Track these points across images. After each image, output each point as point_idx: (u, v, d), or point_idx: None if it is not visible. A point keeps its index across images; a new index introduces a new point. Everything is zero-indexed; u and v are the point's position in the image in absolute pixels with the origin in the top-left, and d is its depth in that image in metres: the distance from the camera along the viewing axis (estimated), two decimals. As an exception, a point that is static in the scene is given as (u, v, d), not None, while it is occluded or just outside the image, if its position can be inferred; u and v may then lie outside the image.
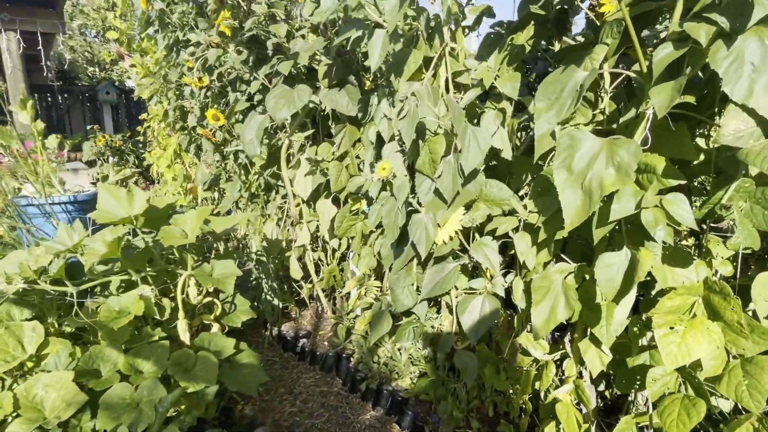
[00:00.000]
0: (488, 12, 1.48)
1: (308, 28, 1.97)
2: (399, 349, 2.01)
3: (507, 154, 1.39)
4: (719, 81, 0.89)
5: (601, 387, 1.57)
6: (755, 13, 0.84)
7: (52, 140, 2.15)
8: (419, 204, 1.33)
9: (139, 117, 4.12)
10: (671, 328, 1.05)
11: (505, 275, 1.46)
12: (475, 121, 1.46)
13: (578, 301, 1.26)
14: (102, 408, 1.32)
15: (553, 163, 1.06)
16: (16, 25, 3.94)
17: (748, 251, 1.11)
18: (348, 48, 1.91)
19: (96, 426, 1.30)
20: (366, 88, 2.08)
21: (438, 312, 1.74)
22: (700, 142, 1.20)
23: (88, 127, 4.74)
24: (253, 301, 2.49)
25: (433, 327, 1.62)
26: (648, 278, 1.18)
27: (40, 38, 4.17)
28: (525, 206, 1.28)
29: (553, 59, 1.55)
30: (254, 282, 2.54)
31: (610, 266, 1.08)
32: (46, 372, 1.35)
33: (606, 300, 1.17)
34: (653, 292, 1.29)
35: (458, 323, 1.46)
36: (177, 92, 3.02)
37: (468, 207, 1.34)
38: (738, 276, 1.16)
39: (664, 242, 1.05)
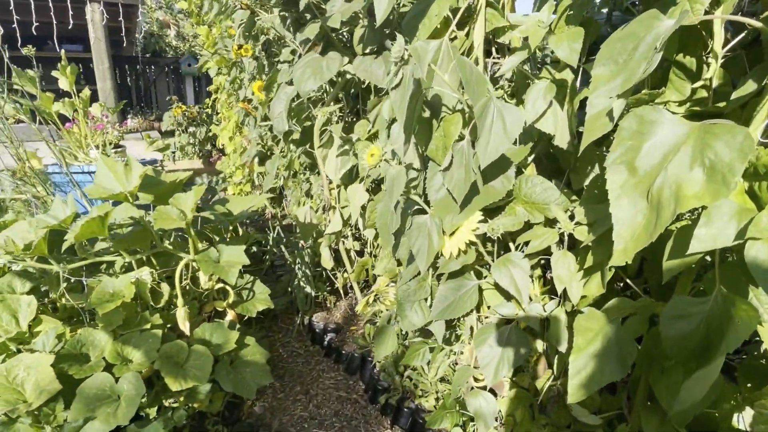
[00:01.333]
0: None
1: (348, -14, 1.70)
2: (428, 363, 1.74)
3: (561, 141, 1.03)
4: None
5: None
6: None
7: (96, 108, 2.15)
8: (428, 203, 1.03)
9: (207, 89, 4.17)
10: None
11: (550, 300, 1.11)
12: (524, 97, 1.11)
13: (643, 353, 0.90)
14: (78, 398, 1.24)
15: (609, 157, 0.71)
16: (99, -4, 4.13)
17: None
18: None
19: (68, 417, 1.21)
20: (409, 57, 1.78)
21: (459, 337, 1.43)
22: None
23: (168, 98, 4.94)
24: (287, 287, 2.36)
25: (452, 352, 1.32)
26: (757, 339, 0.79)
27: (121, 10, 4.37)
28: (572, 216, 0.92)
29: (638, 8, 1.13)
30: (290, 267, 2.40)
31: (686, 318, 0.71)
32: (30, 352, 1.29)
33: (682, 364, 0.80)
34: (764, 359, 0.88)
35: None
36: (233, 63, 2.93)
37: (496, 209, 1.01)
38: None
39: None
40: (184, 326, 1.52)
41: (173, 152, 4.68)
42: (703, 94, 0.91)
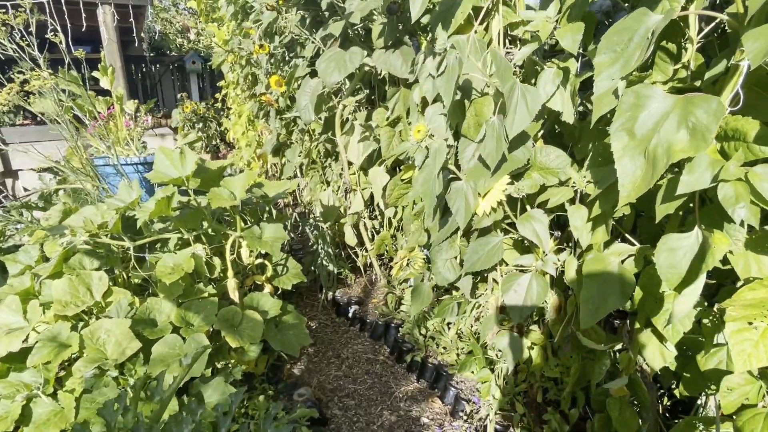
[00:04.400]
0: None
1: (365, -15, 1.88)
2: (447, 324, 1.94)
3: (568, 117, 1.23)
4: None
5: (672, 384, 1.39)
6: None
7: (130, 105, 2.31)
8: (461, 171, 1.23)
9: (217, 84, 4.31)
10: (749, 323, 0.88)
11: (561, 252, 1.32)
12: (533, 81, 1.31)
13: (640, 288, 1.10)
14: (154, 355, 1.42)
15: (612, 126, 0.91)
16: (111, -1, 4.26)
17: None
18: (402, 4, 1.80)
19: (147, 371, 1.40)
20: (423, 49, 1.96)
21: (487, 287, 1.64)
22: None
23: (178, 95, 5.08)
24: (311, 266, 2.55)
25: (479, 304, 1.52)
26: (728, 266, 1.00)
27: (131, 11, 4.49)
28: (584, 176, 1.12)
29: (632, 8, 1.33)
30: (314, 246, 2.59)
31: (676, 250, 0.92)
32: (108, 318, 1.47)
33: (670, 289, 1.01)
34: (739, 284, 1.09)
35: (504, 301, 1.36)
36: (247, 60, 3.09)
37: (518, 175, 1.21)
38: None
39: (751, 225, 0.87)
40: (234, 295, 1.71)
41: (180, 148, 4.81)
42: (683, 73, 1.10)
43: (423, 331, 1.99)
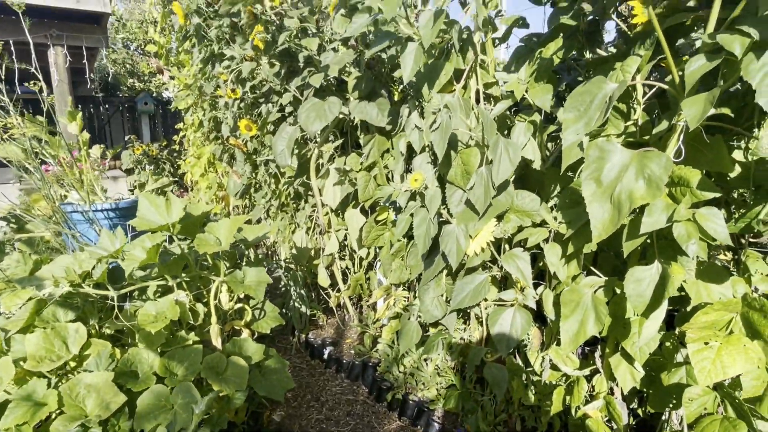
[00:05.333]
0: (520, 23, 1.49)
1: (339, 41, 2.02)
2: (425, 360, 2.01)
3: (538, 165, 1.39)
4: (755, 92, 0.87)
5: (634, 405, 1.53)
6: (792, 24, 0.83)
7: (96, 150, 2.26)
8: (450, 215, 1.34)
9: (175, 126, 4.27)
10: (706, 343, 1.03)
11: (535, 287, 1.45)
12: (506, 132, 1.47)
13: (609, 315, 1.24)
14: (140, 408, 1.38)
15: (582, 174, 1.06)
16: (63, 41, 4.17)
17: (790, 267, 1.07)
18: (378, 60, 1.95)
19: (133, 426, 1.35)
20: (396, 100, 2.11)
21: (465, 323, 1.73)
22: (738, 155, 1.17)
23: (127, 137, 4.96)
24: (282, 308, 2.54)
25: (462, 339, 1.61)
26: (683, 293, 1.16)
27: (85, 52, 4.41)
28: (555, 218, 1.27)
29: (583, 70, 1.54)
30: (283, 289, 2.59)
31: (641, 281, 1.07)
32: (87, 372, 1.41)
33: (636, 315, 1.15)
34: (689, 308, 1.26)
35: (488, 335, 1.46)
36: (211, 103, 3.13)
37: (499, 218, 1.34)
38: (780, 293, 1.13)
39: (697, 257, 1.03)
40: (217, 342, 1.69)
41: (131, 190, 4.67)
42: (633, 129, 1.30)
43: (401, 369, 2.04)
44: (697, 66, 0.96)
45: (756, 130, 1.12)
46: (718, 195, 1.00)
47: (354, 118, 2.10)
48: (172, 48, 3.69)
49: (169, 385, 1.46)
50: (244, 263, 1.95)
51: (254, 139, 2.64)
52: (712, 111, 1.03)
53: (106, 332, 1.66)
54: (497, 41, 1.51)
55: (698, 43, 1.37)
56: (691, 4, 1.21)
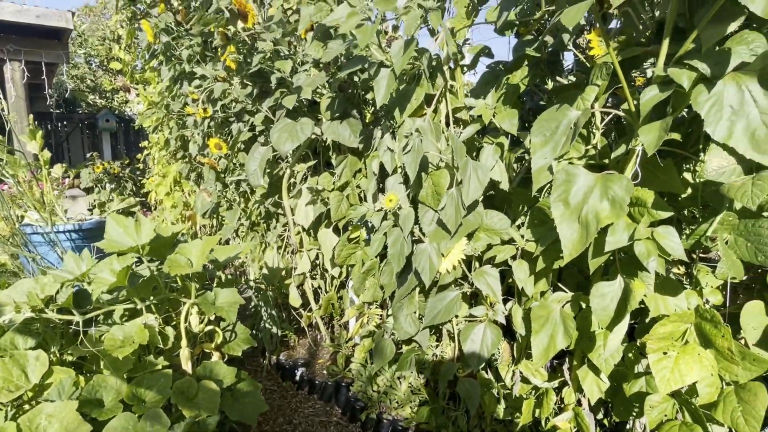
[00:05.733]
0: (486, 52, 1.57)
1: (311, 63, 2.06)
2: (398, 378, 2.02)
3: (505, 185, 1.46)
4: (702, 121, 0.96)
5: (600, 415, 1.59)
6: (732, 60, 0.92)
7: (58, 169, 2.19)
8: (422, 234, 1.38)
9: (139, 145, 4.18)
10: (664, 353, 1.09)
11: (504, 303, 1.50)
12: (474, 154, 1.53)
13: (576, 329, 1.30)
14: (106, 438, 1.32)
15: (551, 197, 1.12)
16: (21, 56, 4.03)
17: (736, 281, 1.16)
18: (350, 82, 2.00)
19: (99, 457, 1.29)
20: (367, 121, 2.16)
21: (437, 340, 1.76)
22: (687, 176, 1.27)
23: (87, 155, 4.79)
24: (252, 329, 2.50)
25: (435, 355, 1.64)
26: (642, 306, 1.23)
27: (44, 68, 4.27)
28: (523, 236, 1.33)
29: (546, 95, 1.64)
30: (253, 310, 2.55)
31: (605, 295, 1.13)
32: (49, 402, 1.35)
33: (601, 328, 1.21)
34: (648, 320, 1.33)
35: (460, 351, 1.49)
36: (179, 122, 3.09)
37: (469, 237, 1.39)
38: (728, 304, 1.21)
39: (660, 272, 1.10)
40: (187, 365, 1.65)
41: (90, 209, 4.50)
42: (593, 152, 1.39)
43: (375, 388, 2.04)
44: (651, 96, 1.04)
45: (702, 154, 1.22)
46: (671, 214, 1.08)
47: (326, 138, 2.13)
48: (137, 65, 3.64)
49: (137, 413, 1.41)
50: (215, 284, 1.92)
51: (225, 158, 2.62)
52: (665, 137, 1.12)
53: (69, 359, 1.60)
54: (465, 68, 1.58)
55: (649, 73, 1.49)
56: (642, 39, 1.32)
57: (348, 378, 2.18)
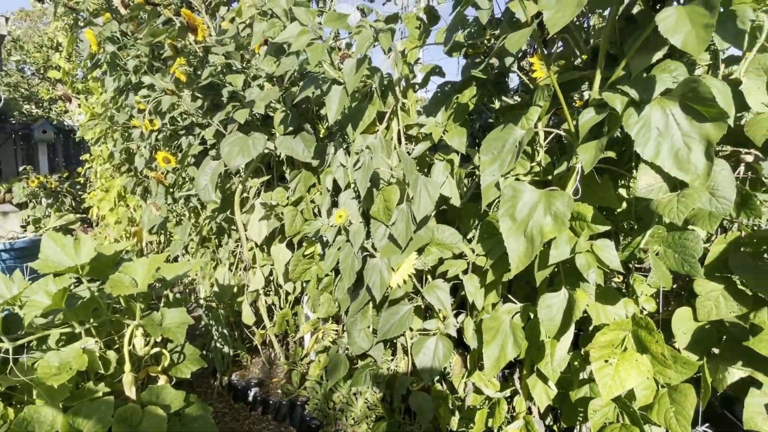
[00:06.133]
0: (437, 72, 1.62)
1: (265, 77, 2.04)
2: (355, 394, 2.00)
3: (456, 201, 1.50)
4: (633, 141, 1.03)
5: (549, 421, 1.64)
6: (657, 87, 1.00)
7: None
8: (374, 249, 1.39)
9: (80, 158, 3.96)
10: (606, 361, 1.15)
11: (456, 315, 1.53)
12: (426, 170, 1.57)
13: (525, 339, 1.34)
14: (37, 474, 1.23)
15: (499, 212, 1.16)
16: (-55, 62, 3.73)
17: (667, 289, 1.24)
18: (304, 98, 2.00)
19: (29, 495, 1.20)
20: (321, 136, 2.16)
21: (393, 354, 1.77)
22: (623, 192, 1.35)
23: (21, 168, 4.48)
24: (202, 350, 2.40)
25: (389, 369, 1.64)
26: (585, 315, 1.29)
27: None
28: (473, 250, 1.37)
29: (493, 114, 1.70)
30: (203, 329, 2.46)
31: (551, 306, 1.18)
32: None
33: (549, 337, 1.26)
34: (591, 328, 1.40)
35: (413, 364, 1.50)
36: (124, 134, 2.96)
37: (420, 251, 1.42)
38: (661, 311, 1.30)
39: (599, 283, 1.17)
40: (131, 391, 1.56)
41: (24, 226, 4.21)
42: (537, 169, 1.46)
43: (331, 405, 2.01)
44: (588, 118, 1.11)
45: (635, 171, 1.31)
46: (610, 228, 1.15)
47: (280, 153, 2.11)
48: (78, 74, 3.46)
49: (74, 445, 1.32)
50: (162, 304, 1.84)
51: (174, 172, 2.53)
52: (601, 155, 1.19)
53: (-5, 390, 1.47)
54: (417, 87, 1.62)
55: (587, 95, 1.59)
56: (579, 63, 1.41)
57: (303, 396, 2.14)
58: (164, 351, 1.77)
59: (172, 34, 2.02)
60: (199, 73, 2.08)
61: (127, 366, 1.55)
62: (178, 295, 3.12)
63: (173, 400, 1.62)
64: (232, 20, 2.15)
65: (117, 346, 1.69)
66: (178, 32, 2.00)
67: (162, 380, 1.79)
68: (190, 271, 2.60)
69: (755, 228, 1.20)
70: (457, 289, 1.60)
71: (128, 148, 3.09)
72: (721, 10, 0.99)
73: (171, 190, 2.65)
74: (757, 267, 1.06)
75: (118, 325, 1.65)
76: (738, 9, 0.94)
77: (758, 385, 1.14)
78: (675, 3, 1.02)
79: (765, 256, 1.09)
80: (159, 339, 1.82)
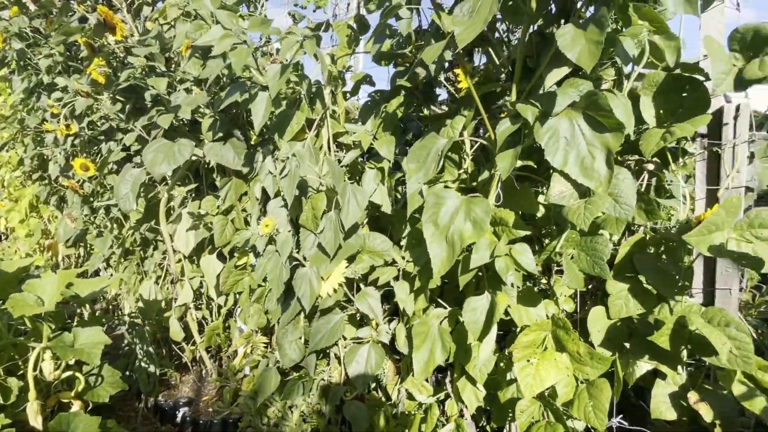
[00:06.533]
0: (368, 80, 1.63)
1: (192, 81, 1.96)
2: (290, 407, 1.95)
3: (387, 208, 1.51)
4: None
5: (483, 422, 1.68)
6: (565, 100, 1.06)
7: None
8: (304, 258, 1.37)
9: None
10: (528, 360, 1.20)
11: (390, 322, 1.53)
12: (359, 178, 1.57)
13: (453, 342, 1.37)
14: None
15: (423, 217, 1.18)
16: None
17: (583, 290, 1.32)
18: (233, 102, 1.94)
19: None
20: (252, 142, 2.10)
21: (327, 364, 1.74)
22: (542, 198, 1.42)
23: None
24: (125, 370, 2.25)
25: (323, 380, 1.61)
26: (509, 317, 1.34)
27: None
28: (403, 257, 1.38)
29: (423, 123, 1.74)
30: (126, 348, 2.30)
31: (475, 309, 1.21)
32: None
33: (474, 340, 1.30)
34: (517, 330, 1.45)
35: (347, 374, 1.48)
36: (36, 139, 2.73)
37: (352, 259, 1.41)
38: (578, 311, 1.37)
39: (517, 285, 1.21)
40: (36, 421, 1.43)
41: None
42: (464, 176, 1.50)
43: (265, 421, 1.95)
44: (505, 127, 1.16)
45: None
46: (529, 233, 1.20)
47: (210, 160, 2.03)
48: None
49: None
50: (75, 323, 1.70)
51: (92, 180, 2.36)
52: (520, 163, 1.25)
53: None
54: (348, 95, 1.62)
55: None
56: (502, 76, 1.47)
57: (236, 413, 2.05)
58: (78, 374, 1.64)
59: (88, 32, 1.90)
60: (119, 74, 1.97)
61: (32, 393, 1.42)
62: (99, 313, 2.92)
63: (87, 427, 1.50)
64: (155, 20, 2.06)
65: (21, 371, 1.54)
66: (95, 31, 1.87)
67: (76, 406, 1.65)
68: (110, 285, 2.44)
69: (663, 230, 1.30)
70: (390, 296, 1.61)
71: (41, 154, 2.85)
72: (624, 30, 1.08)
73: (90, 199, 2.47)
74: (658, 267, 1.15)
75: (22, 349, 1.51)
76: (633, 30, 1.02)
77: (663, 376, 1.23)
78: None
79: (663, 256, 1.18)
80: (72, 362, 1.68)
